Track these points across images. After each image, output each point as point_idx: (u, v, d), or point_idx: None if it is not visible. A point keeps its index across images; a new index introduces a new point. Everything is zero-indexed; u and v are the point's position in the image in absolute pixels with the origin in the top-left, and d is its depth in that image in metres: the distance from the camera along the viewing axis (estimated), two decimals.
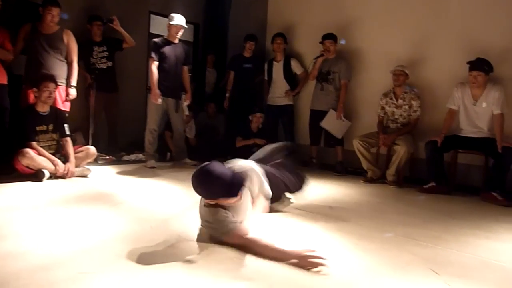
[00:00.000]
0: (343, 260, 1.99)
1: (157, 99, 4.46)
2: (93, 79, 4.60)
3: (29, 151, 3.50)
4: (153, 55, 4.56)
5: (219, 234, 2.10)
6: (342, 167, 4.91)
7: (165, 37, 4.71)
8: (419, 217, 3.00)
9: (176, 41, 4.69)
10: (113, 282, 1.60)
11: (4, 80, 3.77)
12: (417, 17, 4.77)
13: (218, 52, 6.04)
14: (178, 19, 4.60)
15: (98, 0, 5.04)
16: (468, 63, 3.90)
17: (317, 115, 5.09)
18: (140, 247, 2.02)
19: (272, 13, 6.45)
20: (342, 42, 5.22)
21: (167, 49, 4.60)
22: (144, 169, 4.35)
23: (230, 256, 1.96)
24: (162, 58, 4.58)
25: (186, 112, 5.12)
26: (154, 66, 4.53)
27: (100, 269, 1.72)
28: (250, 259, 1.93)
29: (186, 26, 4.70)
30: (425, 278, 1.82)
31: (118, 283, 1.59)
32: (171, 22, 4.61)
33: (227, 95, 5.70)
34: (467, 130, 3.99)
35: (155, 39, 4.69)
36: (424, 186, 3.98)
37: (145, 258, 1.88)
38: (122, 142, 5.23)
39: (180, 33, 4.68)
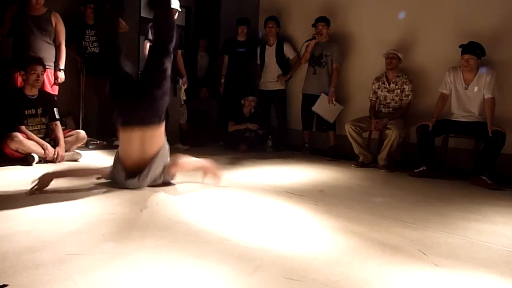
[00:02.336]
0: (332, 242, 2.00)
1: None
2: (83, 63, 4.53)
3: (18, 135, 3.46)
4: (149, 37, 4.52)
5: None
6: (334, 152, 4.92)
7: None
8: (409, 200, 3.02)
9: None
10: (100, 263, 1.59)
11: None
12: (411, 1, 4.73)
13: (210, 36, 5.97)
14: (172, 3, 4.50)
15: None
16: (460, 46, 3.89)
17: (309, 99, 5.08)
18: (129, 229, 2.02)
19: None
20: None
21: None
22: None
23: (219, 237, 1.96)
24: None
25: (184, 97, 5.06)
26: (147, 50, 4.49)
27: (88, 250, 1.71)
28: (239, 240, 1.93)
29: (180, 10, 4.62)
30: (413, 259, 1.84)
31: (105, 264, 1.59)
32: None
33: (222, 80, 5.66)
34: (458, 114, 4.01)
35: (150, 24, 4.61)
36: (415, 170, 4.01)
37: (134, 240, 1.87)
38: (113, 126, 5.18)
39: (175, 17, 4.59)
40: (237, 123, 5.22)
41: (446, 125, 4.03)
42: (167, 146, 2.88)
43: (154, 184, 2.84)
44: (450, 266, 1.77)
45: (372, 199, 2.99)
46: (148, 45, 4.54)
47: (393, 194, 3.24)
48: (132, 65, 2.62)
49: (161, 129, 2.75)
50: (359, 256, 1.84)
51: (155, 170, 2.76)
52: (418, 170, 4.00)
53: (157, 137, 2.72)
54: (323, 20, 4.99)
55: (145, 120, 2.65)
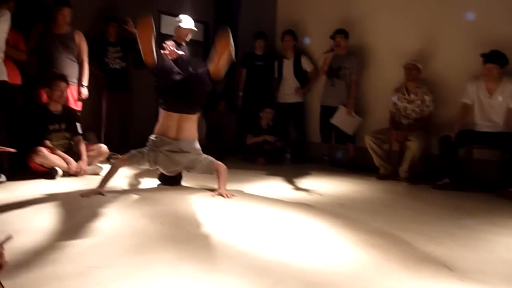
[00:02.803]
0: (353, 256, 1.97)
1: None
2: (105, 79, 4.65)
3: (43, 149, 3.55)
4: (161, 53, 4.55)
5: None
6: (354, 164, 4.86)
7: (173, 38, 4.67)
8: (433, 213, 2.94)
9: (184, 43, 4.63)
10: (121, 276, 1.60)
11: (18, 81, 3.83)
12: (429, 10, 4.69)
13: None
14: (187, 22, 4.37)
15: (110, 1, 5.09)
16: (482, 55, 3.82)
17: (327, 111, 5.06)
18: (150, 242, 2.03)
19: (282, 10, 6.41)
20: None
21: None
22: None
23: (239, 251, 1.95)
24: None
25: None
26: None
27: (109, 263, 1.73)
28: (259, 254, 1.92)
29: (196, 29, 4.60)
30: (438, 274, 1.78)
31: (126, 277, 1.60)
32: (180, 25, 4.38)
33: (240, 93, 5.70)
34: (482, 124, 3.91)
35: (167, 41, 4.65)
36: (438, 183, 3.91)
37: (155, 253, 1.88)
38: (134, 141, 5.26)
39: (189, 36, 4.58)
40: (255, 136, 5.23)
41: (470, 136, 3.94)
42: (198, 144, 3.37)
43: (189, 167, 3.28)
44: (476, 282, 1.71)
45: (394, 212, 2.93)
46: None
47: (416, 207, 3.16)
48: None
49: (194, 117, 3.33)
50: (381, 271, 1.80)
51: (187, 152, 3.25)
52: (441, 182, 3.90)
53: (190, 122, 3.28)
54: (341, 32, 5.00)
55: (184, 110, 3.23)
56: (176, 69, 3.31)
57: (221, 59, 3.13)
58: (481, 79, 3.90)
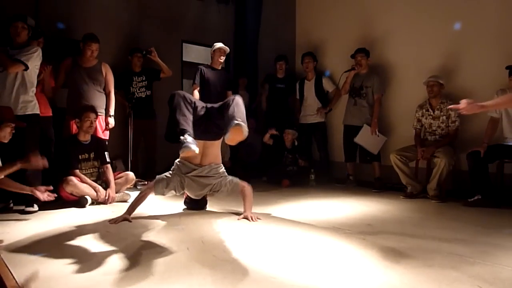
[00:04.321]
0: (384, 278, 1.92)
1: None
2: (131, 108, 4.79)
3: (73, 178, 3.66)
4: (196, 81, 4.74)
5: None
6: (381, 183, 4.78)
7: (209, 64, 4.89)
8: (465, 232, 2.84)
9: (220, 67, 4.86)
10: None
11: (49, 113, 4.01)
12: (450, 26, 4.65)
13: (249, 75, 6.15)
14: (220, 44, 4.82)
15: (135, 32, 5.29)
16: (507, 67, 3.74)
17: (351, 131, 5.03)
18: (177, 268, 2.04)
19: (301, 32, 6.52)
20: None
21: (211, 76, 4.80)
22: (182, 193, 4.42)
23: (266, 275, 1.93)
24: (206, 84, 4.75)
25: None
26: (196, 91, 4.73)
27: None
28: (286, 278, 1.90)
29: (229, 49, 4.86)
30: None
31: None
32: (214, 48, 4.81)
33: (264, 105, 5.83)
34: (511, 138, 3.80)
35: (200, 66, 4.88)
36: (470, 200, 3.79)
37: (181, 278, 1.89)
38: (160, 167, 5.35)
39: (223, 57, 4.83)
40: (279, 155, 5.26)
41: (500, 150, 3.82)
42: (222, 167, 3.42)
43: (214, 190, 3.32)
44: None
45: (424, 231, 2.85)
46: (196, 91, 4.74)
47: (447, 225, 3.07)
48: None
49: (218, 142, 3.38)
50: None
51: (209, 176, 3.31)
52: (472, 199, 3.78)
53: (214, 148, 3.36)
54: (362, 51, 5.01)
55: (208, 137, 3.28)
56: (200, 103, 3.30)
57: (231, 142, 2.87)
58: (507, 92, 3.80)
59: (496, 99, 2.50)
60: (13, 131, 3.06)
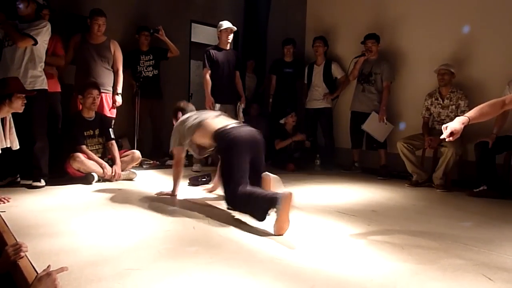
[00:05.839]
0: (388, 264, 1.93)
1: (210, 106, 4.57)
2: (138, 87, 4.77)
3: (80, 155, 3.68)
4: (207, 65, 4.68)
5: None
6: (386, 171, 4.77)
7: (216, 45, 4.82)
8: (470, 221, 2.84)
9: (228, 47, 4.79)
10: (157, 278, 1.64)
11: (58, 88, 3.99)
12: (463, 13, 4.57)
13: (257, 57, 6.09)
14: (226, 23, 4.72)
15: (143, 11, 5.24)
16: None
17: (358, 117, 4.99)
18: (183, 246, 2.06)
19: (311, 16, 6.42)
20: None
21: (220, 57, 4.72)
22: (188, 173, 4.43)
23: (271, 256, 1.95)
24: (216, 66, 4.69)
25: (242, 118, 5.12)
26: (208, 75, 4.67)
27: (145, 266, 1.77)
28: (291, 260, 1.91)
29: (236, 28, 4.78)
30: (476, 284, 1.73)
31: (162, 280, 1.63)
32: (221, 28, 4.71)
33: (270, 100, 5.73)
34: None
35: (208, 48, 4.81)
36: (475, 190, 3.78)
37: (188, 257, 1.91)
38: (166, 146, 5.36)
39: (231, 36, 4.76)
40: (283, 140, 5.24)
41: (508, 142, 3.79)
42: None
43: None
44: None
45: (429, 219, 2.85)
46: (207, 75, 4.68)
47: (452, 214, 3.07)
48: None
49: None
50: (417, 279, 1.76)
51: None
52: (478, 189, 3.77)
53: None
54: (372, 37, 4.94)
55: None
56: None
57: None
58: None
59: (475, 111, 2.40)
60: (25, 101, 3.06)
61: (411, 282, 1.72)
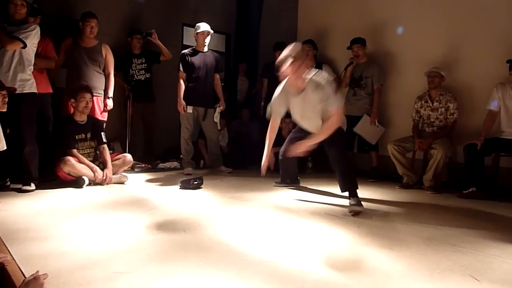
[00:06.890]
0: (377, 266, 1.95)
1: (181, 110, 4.60)
2: (130, 90, 4.76)
3: (70, 159, 3.66)
4: (180, 68, 4.68)
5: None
6: (377, 173, 4.81)
7: (193, 47, 4.81)
8: (459, 223, 2.88)
9: (205, 49, 4.77)
10: (147, 282, 1.64)
11: (49, 89, 3.95)
12: (452, 17, 4.63)
13: (249, 60, 6.11)
14: (203, 26, 4.68)
15: (135, 15, 5.24)
16: (508, 61, 3.74)
17: (349, 121, 4.98)
18: (173, 250, 2.06)
19: (302, 20, 6.45)
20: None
21: (196, 59, 4.70)
22: (180, 176, 4.43)
23: (261, 259, 1.96)
24: (191, 69, 4.68)
25: (216, 120, 5.11)
26: (182, 78, 4.68)
27: (134, 269, 1.77)
28: (280, 263, 1.92)
29: (212, 31, 4.76)
30: (464, 284, 1.75)
31: (151, 283, 1.63)
32: (197, 31, 4.70)
33: (262, 103, 5.73)
34: (509, 132, 3.82)
35: (183, 51, 4.79)
36: (464, 192, 3.83)
37: (178, 260, 1.91)
38: (158, 150, 5.37)
39: (208, 39, 4.74)
40: (277, 146, 5.24)
41: (496, 144, 3.84)
42: None
43: None
44: None
45: (418, 221, 2.88)
46: (181, 80, 4.69)
47: (441, 216, 3.10)
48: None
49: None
50: (405, 281, 1.77)
51: None
52: (467, 191, 3.82)
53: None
54: (358, 41, 4.96)
55: None
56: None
57: None
58: (507, 86, 3.82)
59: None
60: (6, 99, 3.02)
61: (400, 283, 1.74)
